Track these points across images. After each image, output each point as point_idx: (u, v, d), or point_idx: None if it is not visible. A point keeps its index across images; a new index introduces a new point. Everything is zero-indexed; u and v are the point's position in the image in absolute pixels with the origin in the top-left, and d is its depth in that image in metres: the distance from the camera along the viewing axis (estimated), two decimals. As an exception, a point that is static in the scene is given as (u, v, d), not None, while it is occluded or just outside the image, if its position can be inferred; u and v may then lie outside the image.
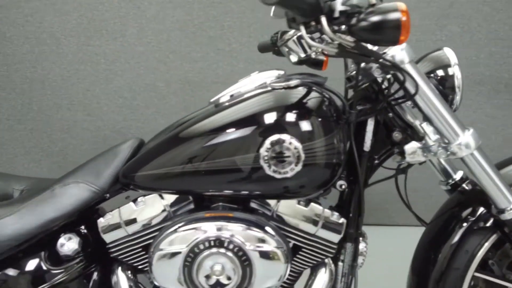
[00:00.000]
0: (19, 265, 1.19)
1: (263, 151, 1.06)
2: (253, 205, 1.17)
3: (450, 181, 1.31)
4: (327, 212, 1.13)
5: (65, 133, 2.66)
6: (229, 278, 1.09)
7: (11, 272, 1.19)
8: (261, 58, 2.60)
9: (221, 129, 1.10)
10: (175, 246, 1.09)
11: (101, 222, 1.17)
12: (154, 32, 2.55)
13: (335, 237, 1.14)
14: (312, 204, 1.13)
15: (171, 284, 1.12)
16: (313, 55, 1.13)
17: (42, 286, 1.18)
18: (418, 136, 1.12)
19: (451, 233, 1.22)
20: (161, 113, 2.62)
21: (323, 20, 0.95)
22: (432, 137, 1.11)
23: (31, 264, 1.19)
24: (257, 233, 1.09)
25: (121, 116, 2.62)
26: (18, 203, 1.19)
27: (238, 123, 1.10)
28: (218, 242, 1.08)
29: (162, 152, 1.13)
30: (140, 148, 1.23)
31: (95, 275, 1.23)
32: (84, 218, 1.23)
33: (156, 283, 1.14)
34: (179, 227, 1.10)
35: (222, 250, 1.08)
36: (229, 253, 1.08)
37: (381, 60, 1.04)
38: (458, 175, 1.31)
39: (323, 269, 1.16)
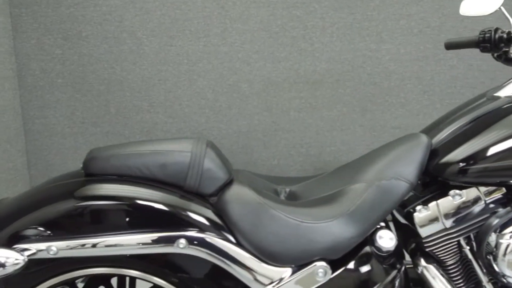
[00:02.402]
0: (356, 264, 1.20)
1: None
2: None
3: None
4: None
5: (144, 136, 2.59)
6: None
7: (346, 269, 1.19)
8: (342, 58, 2.64)
9: None
10: None
11: (418, 216, 1.21)
12: (238, 32, 2.52)
13: None
14: None
15: None
16: None
17: (378, 284, 1.19)
18: None
19: None
20: (243, 114, 2.60)
21: None
22: None
23: (365, 262, 1.19)
24: None
25: (203, 117, 2.58)
26: (331, 203, 1.20)
27: None
28: None
29: (481, 147, 1.17)
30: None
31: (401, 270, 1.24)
32: None
33: (506, 273, 1.17)
34: None
35: None
36: None
37: None
38: None
39: None
